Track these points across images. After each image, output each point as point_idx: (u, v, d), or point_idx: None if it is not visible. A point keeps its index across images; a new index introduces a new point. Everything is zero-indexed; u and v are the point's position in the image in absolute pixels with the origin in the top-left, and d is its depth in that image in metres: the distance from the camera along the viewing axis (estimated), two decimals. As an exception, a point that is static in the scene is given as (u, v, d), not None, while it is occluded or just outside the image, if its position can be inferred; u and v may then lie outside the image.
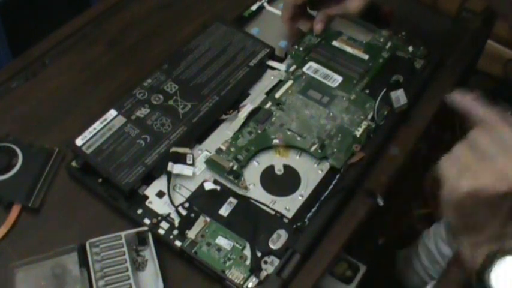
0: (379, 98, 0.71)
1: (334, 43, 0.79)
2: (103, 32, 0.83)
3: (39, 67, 0.78)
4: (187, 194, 0.64)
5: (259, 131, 0.69)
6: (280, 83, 0.75)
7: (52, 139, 0.69)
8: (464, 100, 0.58)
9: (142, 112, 0.68)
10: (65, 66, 0.78)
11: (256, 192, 0.65)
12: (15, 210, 0.63)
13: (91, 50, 0.81)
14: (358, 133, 0.70)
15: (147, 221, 0.61)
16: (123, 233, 0.59)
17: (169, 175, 0.63)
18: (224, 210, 0.62)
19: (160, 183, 0.64)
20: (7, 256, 0.60)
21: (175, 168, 0.64)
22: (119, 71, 0.78)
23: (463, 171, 0.53)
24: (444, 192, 0.55)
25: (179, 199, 0.63)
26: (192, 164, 0.65)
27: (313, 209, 0.63)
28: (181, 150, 0.65)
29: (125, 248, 0.59)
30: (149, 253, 0.60)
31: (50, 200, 0.65)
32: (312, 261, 0.61)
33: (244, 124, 0.70)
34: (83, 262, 0.58)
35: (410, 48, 0.78)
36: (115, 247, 0.59)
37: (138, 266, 0.60)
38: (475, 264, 0.54)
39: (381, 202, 0.66)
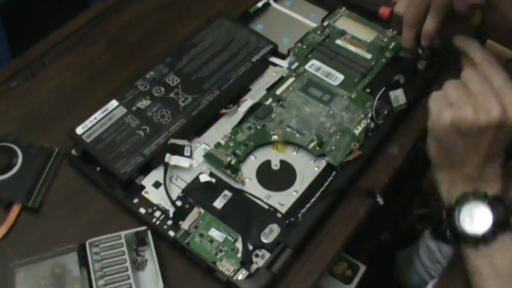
0: (378, 97, 0.71)
1: (338, 42, 0.80)
2: (103, 31, 0.84)
3: (39, 67, 0.79)
4: (183, 185, 0.65)
5: (258, 127, 0.70)
6: (281, 80, 0.75)
7: (52, 139, 0.70)
8: (464, 41, 0.65)
9: (143, 103, 0.69)
10: (65, 66, 0.79)
11: (252, 186, 0.65)
12: (15, 210, 0.64)
13: (91, 50, 0.81)
14: (357, 132, 0.70)
15: (142, 210, 0.62)
16: (122, 233, 0.60)
17: (166, 166, 0.64)
18: (218, 203, 0.63)
19: (157, 174, 0.65)
20: (7, 256, 0.61)
21: (173, 159, 0.65)
22: (118, 70, 0.78)
23: (447, 105, 0.58)
24: (428, 123, 0.60)
25: (175, 190, 0.64)
26: (190, 156, 0.66)
27: (307, 205, 0.64)
28: (179, 142, 0.66)
29: (124, 248, 0.59)
30: (149, 253, 0.61)
31: (50, 200, 0.66)
32: (312, 261, 0.62)
33: (244, 119, 0.70)
34: (83, 262, 0.59)
35: (414, 49, 0.79)
36: (115, 247, 0.59)
37: (138, 265, 0.60)
38: (450, 200, 0.60)
39: (380, 201, 0.66)
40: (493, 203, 0.57)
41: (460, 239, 0.59)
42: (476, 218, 0.58)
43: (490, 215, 0.57)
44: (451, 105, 0.58)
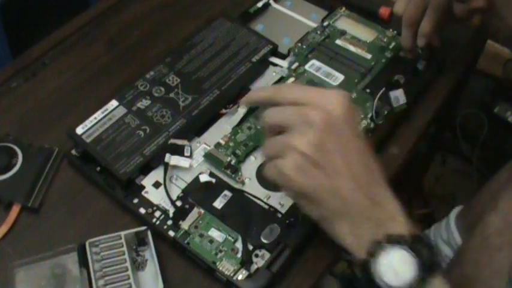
0: (377, 97, 0.71)
1: (338, 41, 0.80)
2: (103, 32, 0.84)
3: (39, 67, 0.79)
4: (183, 185, 0.64)
5: (258, 127, 0.70)
6: (281, 80, 0.75)
7: (52, 139, 0.70)
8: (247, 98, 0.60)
9: (143, 103, 0.69)
10: (65, 66, 0.79)
11: (252, 186, 0.65)
12: (15, 210, 0.64)
13: (91, 50, 0.81)
14: (357, 132, 0.70)
15: (142, 210, 0.62)
16: (122, 233, 0.60)
17: (166, 166, 0.64)
18: (218, 203, 0.63)
19: (157, 174, 0.65)
20: (7, 256, 0.61)
21: (172, 159, 0.65)
22: (119, 70, 0.78)
23: (275, 156, 0.53)
24: (285, 192, 0.56)
25: (175, 190, 0.64)
26: (190, 156, 0.66)
27: (307, 205, 0.64)
28: (179, 142, 0.66)
29: (124, 248, 0.59)
30: (149, 253, 0.61)
31: (50, 200, 0.66)
32: (312, 261, 0.62)
33: (244, 119, 0.70)
34: (83, 262, 0.58)
35: (414, 49, 0.79)
36: (115, 247, 0.59)
37: (138, 265, 0.60)
38: (361, 254, 0.51)
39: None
40: (413, 244, 0.49)
41: None
42: (400, 268, 0.49)
43: (413, 259, 0.49)
44: (278, 155, 0.52)
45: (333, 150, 0.51)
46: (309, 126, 0.51)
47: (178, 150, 0.66)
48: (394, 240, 0.49)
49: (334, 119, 0.51)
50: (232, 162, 0.66)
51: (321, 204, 0.52)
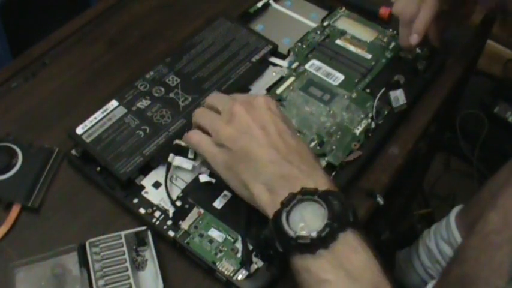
0: (378, 97, 0.71)
1: (338, 41, 0.80)
2: (103, 32, 0.84)
3: (39, 67, 0.79)
4: (183, 185, 0.64)
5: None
6: (281, 80, 0.75)
7: (52, 139, 0.70)
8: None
9: (143, 103, 0.69)
10: (65, 66, 0.79)
11: (252, 186, 0.65)
12: (15, 210, 0.64)
13: (91, 50, 0.81)
14: (357, 131, 0.70)
15: (142, 210, 0.62)
16: (122, 233, 0.60)
17: (169, 166, 0.64)
18: (218, 203, 0.63)
19: (157, 174, 0.65)
20: (7, 256, 0.61)
21: (176, 160, 0.65)
22: (119, 70, 0.78)
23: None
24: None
25: (175, 190, 0.64)
26: (193, 159, 0.65)
27: (307, 205, 0.64)
28: (184, 143, 0.66)
29: (124, 248, 0.59)
30: (149, 253, 0.61)
31: (50, 200, 0.66)
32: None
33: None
34: (83, 262, 0.58)
35: (414, 49, 0.79)
36: (115, 247, 0.59)
37: (138, 265, 0.60)
38: (276, 207, 0.52)
39: (380, 201, 0.66)
40: (325, 197, 0.50)
41: (292, 247, 0.49)
42: (309, 218, 0.50)
43: (323, 211, 0.49)
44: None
45: (252, 122, 0.57)
46: (233, 114, 0.58)
47: (183, 152, 0.66)
48: (307, 192, 0.51)
49: (255, 104, 0.58)
50: (233, 162, 0.66)
51: (238, 170, 0.57)
